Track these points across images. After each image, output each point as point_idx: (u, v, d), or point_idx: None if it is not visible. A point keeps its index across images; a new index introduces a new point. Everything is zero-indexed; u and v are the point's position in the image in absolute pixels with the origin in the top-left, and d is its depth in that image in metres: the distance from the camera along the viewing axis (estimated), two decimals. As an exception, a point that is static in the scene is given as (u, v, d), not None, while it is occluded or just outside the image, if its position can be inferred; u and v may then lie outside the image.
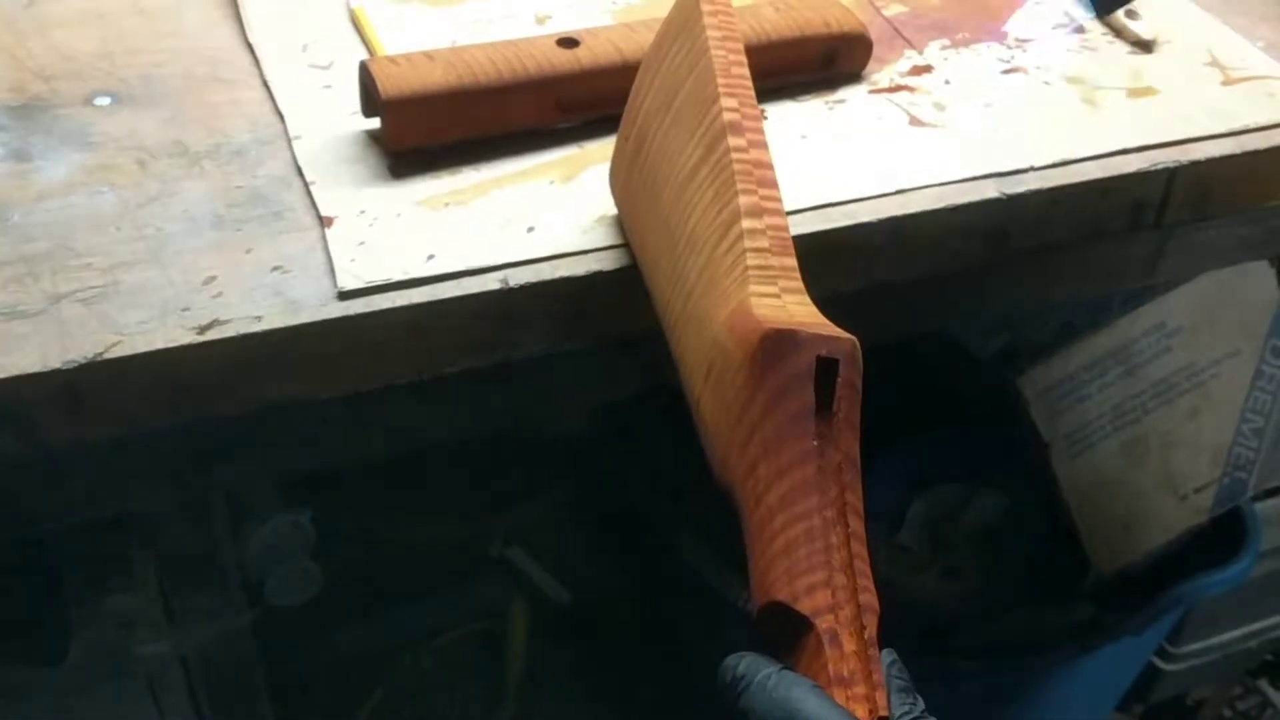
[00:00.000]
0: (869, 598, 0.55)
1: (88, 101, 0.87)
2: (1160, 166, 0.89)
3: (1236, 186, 0.93)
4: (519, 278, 0.76)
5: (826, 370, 0.58)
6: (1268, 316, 1.36)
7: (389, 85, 0.82)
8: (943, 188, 0.85)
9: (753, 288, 0.62)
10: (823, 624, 0.54)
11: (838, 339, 0.59)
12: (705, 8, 0.74)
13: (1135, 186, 0.89)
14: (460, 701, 1.62)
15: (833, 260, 0.83)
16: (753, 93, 0.70)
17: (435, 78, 0.83)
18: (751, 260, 0.64)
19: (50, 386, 0.67)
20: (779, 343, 0.59)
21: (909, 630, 1.39)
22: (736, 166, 0.67)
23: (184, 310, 0.71)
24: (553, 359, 0.80)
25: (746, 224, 0.65)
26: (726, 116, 0.69)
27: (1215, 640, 1.67)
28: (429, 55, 0.84)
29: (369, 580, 1.50)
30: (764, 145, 0.68)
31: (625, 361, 0.84)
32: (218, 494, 0.98)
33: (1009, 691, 1.42)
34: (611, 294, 0.77)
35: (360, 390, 0.75)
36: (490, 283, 0.75)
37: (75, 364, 0.67)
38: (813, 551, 0.55)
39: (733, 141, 0.68)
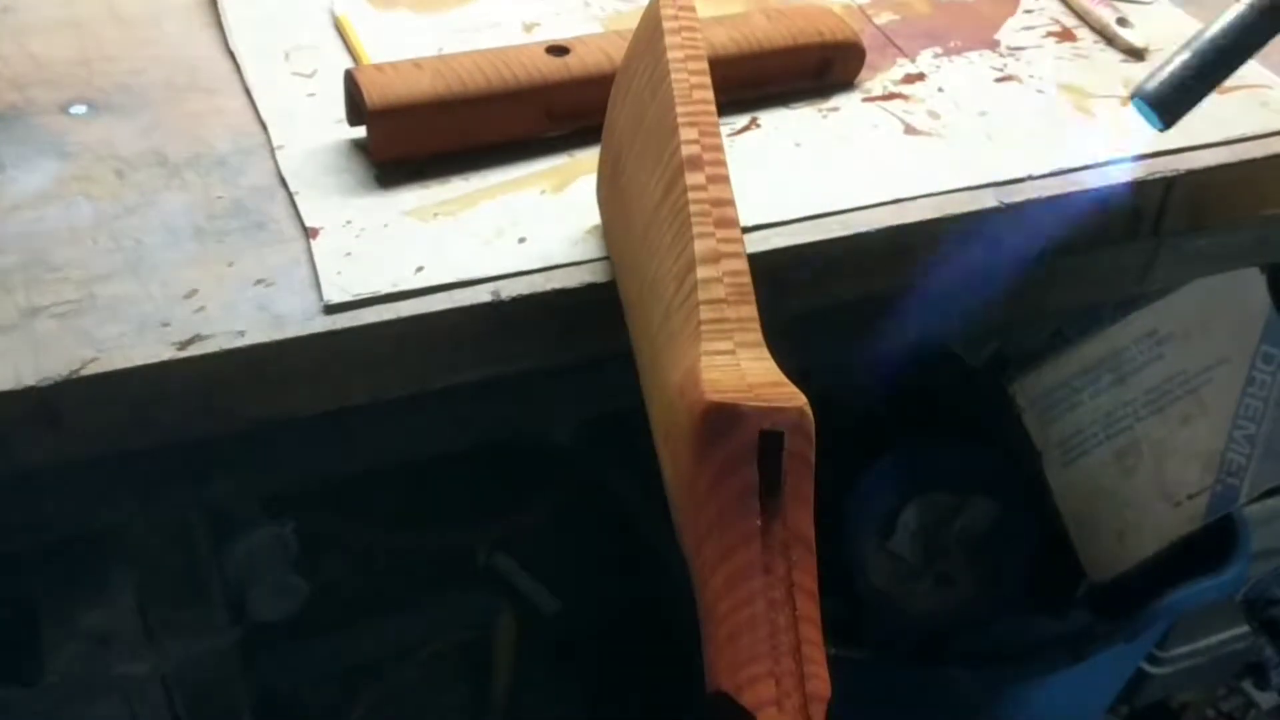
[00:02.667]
0: (817, 685, 0.53)
1: (63, 110, 0.85)
2: (1158, 175, 0.88)
3: (1232, 195, 0.92)
4: (510, 290, 0.75)
5: (773, 443, 0.55)
6: (1259, 323, 1.36)
7: (376, 94, 0.80)
8: (941, 197, 0.84)
9: (704, 345, 0.59)
10: (764, 718, 0.52)
11: (783, 410, 0.56)
12: (668, 24, 0.71)
13: (1134, 195, 0.88)
14: (447, 712, 1.61)
15: (829, 270, 0.82)
16: (715, 119, 0.68)
17: (423, 86, 0.81)
18: (705, 314, 0.60)
19: (24, 405, 0.65)
20: (720, 417, 0.55)
21: (902, 638, 1.39)
22: (693, 207, 0.64)
23: (164, 325, 0.69)
24: (545, 372, 0.78)
25: (701, 273, 0.61)
26: (685, 151, 0.66)
27: (1203, 644, 1.66)
28: (416, 63, 0.83)
29: (353, 591, 1.49)
30: (725, 180, 0.65)
31: (619, 374, 0.82)
32: (203, 509, 0.96)
33: (1001, 699, 1.41)
34: (605, 306, 0.76)
35: (347, 406, 0.74)
36: (481, 295, 0.74)
37: (50, 381, 0.65)
38: (756, 640, 0.53)
39: (690, 179, 0.65)
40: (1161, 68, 0.75)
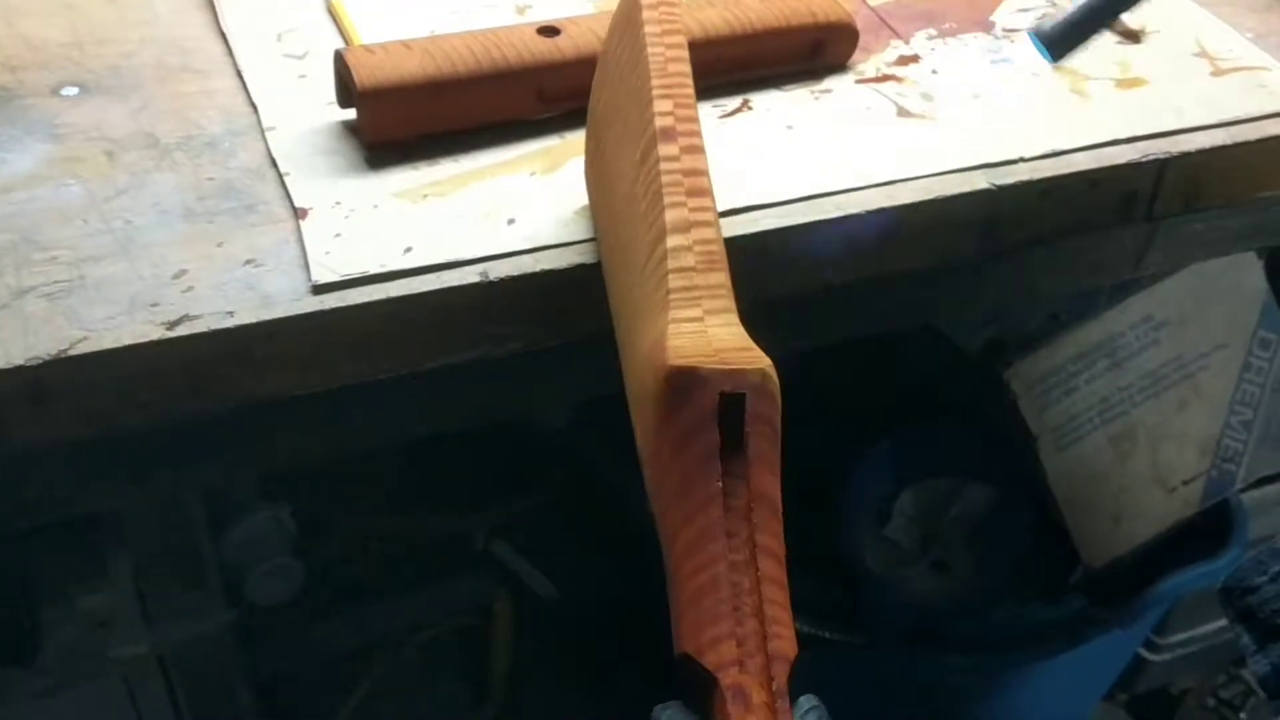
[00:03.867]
0: (780, 644, 0.53)
1: (54, 92, 0.85)
2: (1151, 158, 0.88)
3: (1227, 178, 0.92)
4: (499, 271, 0.74)
5: (735, 406, 0.56)
6: (1256, 308, 1.35)
7: (365, 75, 0.80)
8: (932, 179, 0.84)
9: (673, 313, 0.60)
10: (726, 679, 0.52)
11: (744, 372, 0.56)
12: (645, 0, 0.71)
13: (1126, 178, 0.88)
14: (445, 697, 1.61)
15: (821, 253, 0.82)
16: (691, 91, 0.68)
17: (413, 67, 0.81)
18: (674, 281, 0.61)
19: (13, 384, 0.65)
20: (682, 380, 0.56)
21: (898, 624, 1.39)
22: (665, 178, 0.64)
23: (153, 305, 0.69)
24: (535, 353, 0.78)
25: (671, 241, 0.62)
26: (659, 122, 0.66)
27: (1200, 630, 1.66)
28: (406, 44, 0.83)
29: (351, 576, 1.49)
30: (699, 150, 0.66)
31: (609, 355, 0.82)
32: (194, 490, 0.96)
33: (997, 684, 1.42)
34: (594, 287, 0.76)
35: (336, 387, 0.74)
36: (470, 276, 0.74)
37: (39, 360, 0.65)
38: (718, 601, 0.53)
39: (663, 150, 0.65)
40: (1059, 11, 0.81)
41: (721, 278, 0.62)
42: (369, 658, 1.56)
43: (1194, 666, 1.78)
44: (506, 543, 1.57)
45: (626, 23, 0.72)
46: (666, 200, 0.63)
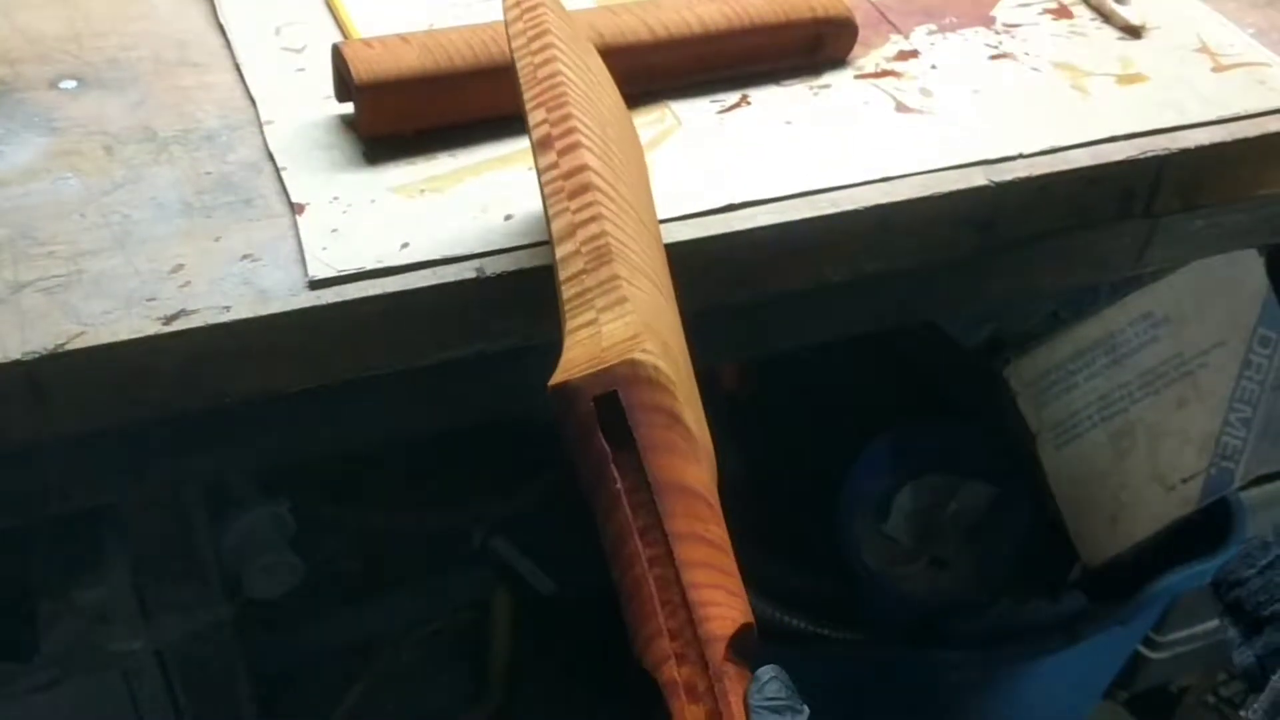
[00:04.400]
0: (713, 625, 0.53)
1: (52, 85, 0.85)
2: (1150, 154, 0.88)
3: (1227, 175, 0.91)
4: (496, 266, 0.74)
5: (612, 405, 0.56)
6: (1256, 306, 1.35)
7: (363, 69, 0.80)
8: (930, 175, 0.84)
9: (570, 323, 0.60)
10: (664, 676, 0.52)
11: (609, 370, 0.56)
12: (509, 11, 0.72)
13: (1125, 174, 0.88)
14: (444, 692, 1.61)
15: (819, 249, 0.82)
16: (561, 89, 0.67)
17: (411, 61, 0.81)
18: (567, 291, 0.61)
19: (10, 378, 0.65)
20: (558, 398, 0.57)
21: (896, 621, 1.38)
22: (548, 188, 0.64)
23: (150, 300, 0.69)
24: (532, 348, 0.78)
25: (560, 251, 0.62)
26: (535, 134, 0.66)
27: (1200, 628, 1.66)
28: (404, 38, 0.82)
29: (350, 572, 1.49)
30: (576, 147, 0.65)
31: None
32: (193, 485, 0.96)
33: (996, 682, 1.41)
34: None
35: (333, 382, 0.74)
36: (466, 271, 0.74)
37: (36, 355, 0.65)
38: (643, 600, 0.54)
39: (542, 160, 0.65)
40: None
41: (613, 269, 0.62)
42: (368, 653, 1.56)
43: (1194, 664, 1.77)
44: (505, 538, 1.57)
45: (507, 29, 0.72)
46: (551, 210, 0.64)
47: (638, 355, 0.57)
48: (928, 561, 1.40)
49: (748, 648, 0.54)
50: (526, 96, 0.68)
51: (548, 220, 0.64)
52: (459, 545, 1.56)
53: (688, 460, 0.56)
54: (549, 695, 1.64)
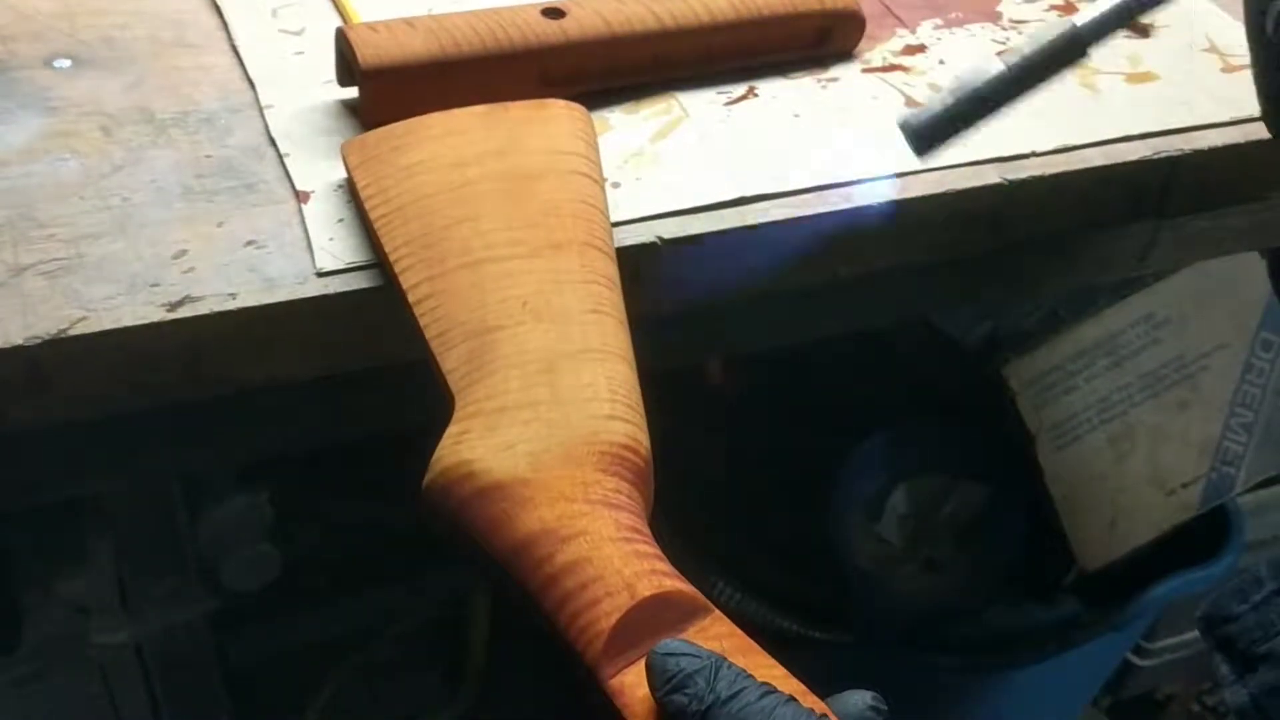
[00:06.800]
0: (590, 652, 0.52)
1: (47, 64, 0.83)
2: (1164, 154, 0.87)
3: (1238, 176, 0.90)
4: (502, 256, 0.73)
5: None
6: (1259, 309, 1.35)
7: (368, 54, 0.78)
8: (943, 172, 0.83)
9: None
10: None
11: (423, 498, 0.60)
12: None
13: (1137, 174, 0.87)
14: (419, 688, 1.60)
15: (829, 246, 0.80)
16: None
17: (416, 47, 0.79)
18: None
19: (12, 364, 0.64)
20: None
21: (888, 623, 1.38)
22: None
23: (153, 286, 0.67)
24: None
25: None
26: None
27: (1189, 636, 1.66)
28: (409, 22, 0.81)
29: (328, 566, 1.47)
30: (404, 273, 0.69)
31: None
32: (192, 475, 0.95)
33: (987, 687, 1.41)
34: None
35: (339, 372, 0.72)
36: (473, 262, 0.72)
37: (39, 340, 0.64)
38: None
39: None
40: (929, 104, 0.77)
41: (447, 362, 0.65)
42: (343, 647, 1.55)
43: (1181, 673, 1.77)
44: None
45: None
46: None
47: (428, 480, 0.60)
48: (921, 563, 1.39)
49: (643, 626, 0.52)
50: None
51: None
52: (437, 540, 1.55)
53: (510, 517, 0.57)
54: (523, 693, 1.63)
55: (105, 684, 1.08)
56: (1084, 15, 0.75)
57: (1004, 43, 0.96)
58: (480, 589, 1.57)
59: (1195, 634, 1.64)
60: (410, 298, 0.67)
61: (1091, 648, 1.37)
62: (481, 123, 0.76)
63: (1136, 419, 1.34)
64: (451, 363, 0.64)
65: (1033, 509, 1.36)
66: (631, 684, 0.50)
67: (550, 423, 0.60)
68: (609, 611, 0.52)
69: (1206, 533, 1.43)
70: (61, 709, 1.08)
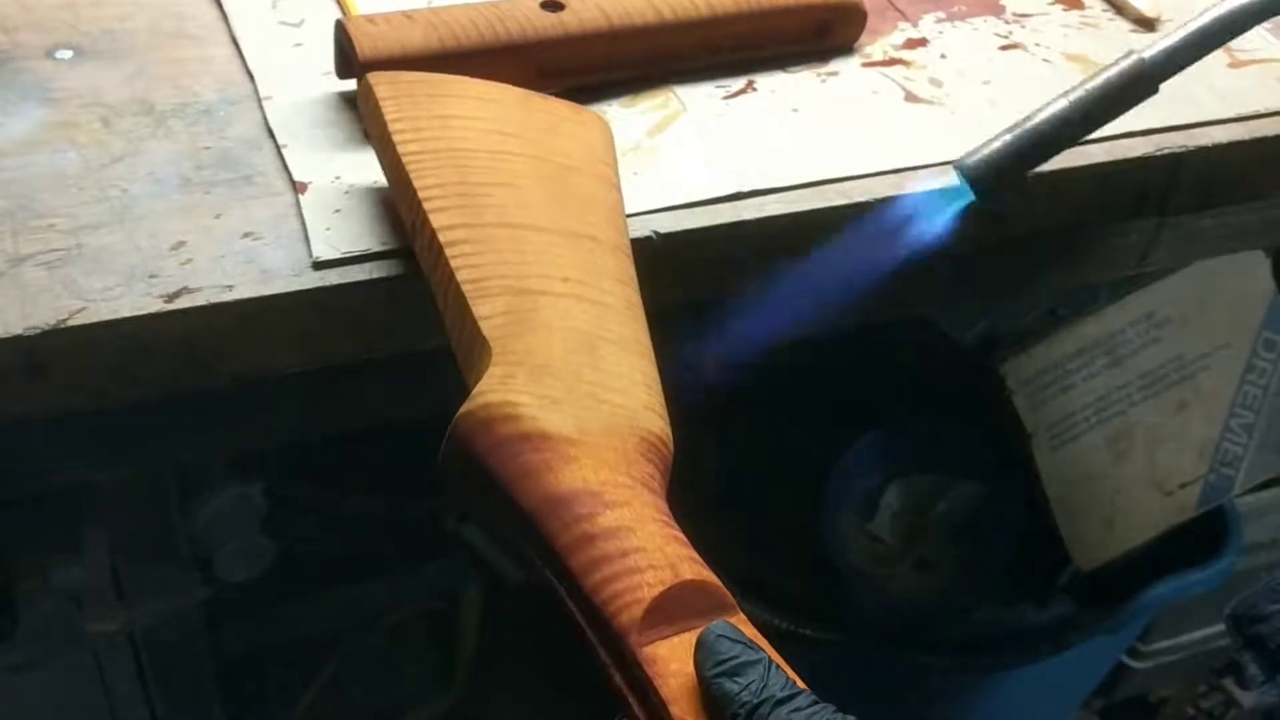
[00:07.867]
0: (620, 621, 0.52)
1: (49, 54, 0.83)
2: (1167, 151, 0.86)
3: (1244, 174, 0.90)
4: (499, 249, 0.73)
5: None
6: (1261, 309, 1.34)
7: (368, 46, 0.78)
8: (942, 167, 0.82)
9: None
10: (613, 690, 0.52)
11: (450, 437, 0.60)
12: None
13: (1141, 171, 0.86)
14: (411, 681, 1.60)
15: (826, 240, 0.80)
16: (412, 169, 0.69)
17: (415, 39, 0.79)
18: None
19: (11, 353, 0.64)
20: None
21: (880, 622, 1.37)
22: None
23: (151, 277, 0.67)
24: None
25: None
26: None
27: (1185, 639, 1.65)
28: (408, 15, 0.81)
29: (320, 557, 1.47)
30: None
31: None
32: (186, 465, 0.95)
33: (978, 687, 1.40)
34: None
35: (335, 364, 0.72)
36: (471, 254, 0.72)
37: (38, 330, 0.64)
38: (579, 631, 0.54)
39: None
40: (986, 144, 0.77)
41: (478, 310, 0.64)
42: (336, 639, 1.55)
43: (1175, 675, 1.77)
44: (475, 527, 1.56)
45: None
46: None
47: (466, 410, 0.59)
48: (914, 563, 1.39)
49: (681, 606, 0.52)
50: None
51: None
52: (430, 531, 1.54)
53: (551, 469, 0.56)
54: (515, 686, 1.63)
55: (99, 672, 1.08)
56: (1152, 48, 0.74)
57: (1007, 36, 0.95)
58: (473, 582, 1.57)
59: (1191, 636, 1.65)
60: (442, 238, 0.65)
61: (1086, 649, 1.36)
62: (520, 103, 0.76)
63: (1135, 419, 1.34)
64: (487, 310, 0.63)
65: (1028, 509, 1.35)
66: (664, 657, 0.50)
67: (594, 395, 0.60)
68: (651, 583, 0.52)
69: (1204, 535, 1.42)
70: (55, 696, 1.08)
